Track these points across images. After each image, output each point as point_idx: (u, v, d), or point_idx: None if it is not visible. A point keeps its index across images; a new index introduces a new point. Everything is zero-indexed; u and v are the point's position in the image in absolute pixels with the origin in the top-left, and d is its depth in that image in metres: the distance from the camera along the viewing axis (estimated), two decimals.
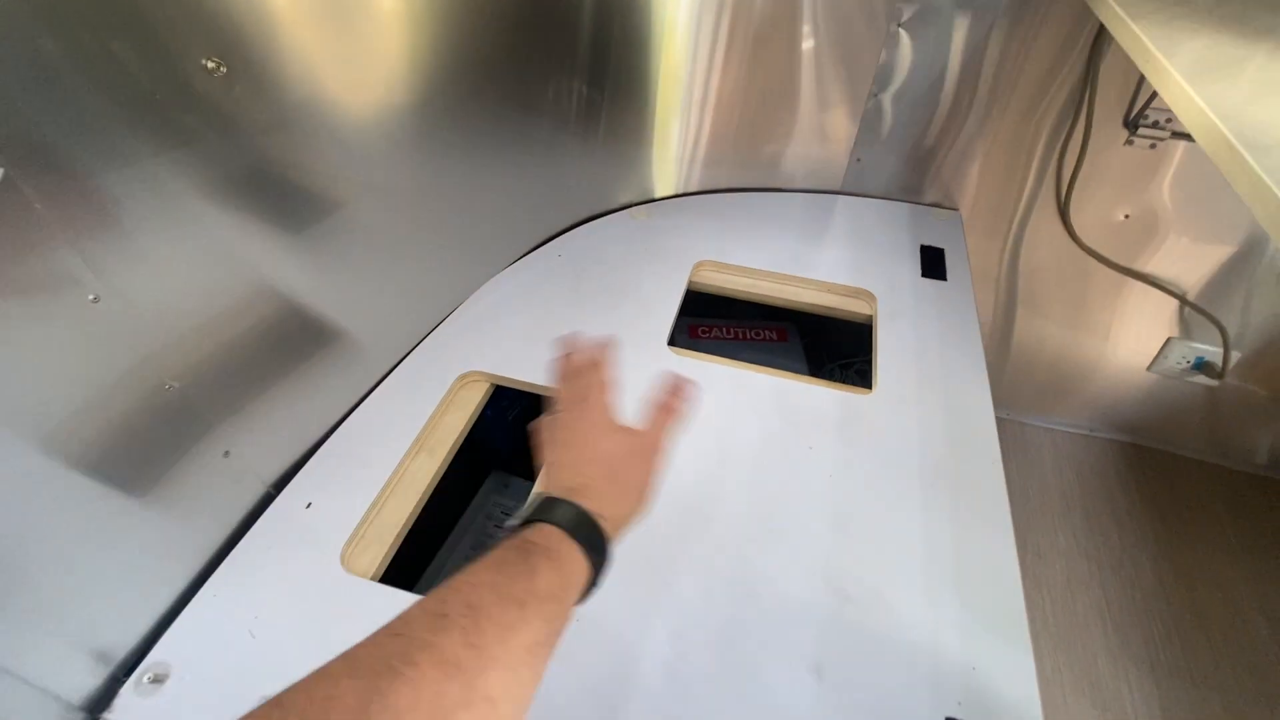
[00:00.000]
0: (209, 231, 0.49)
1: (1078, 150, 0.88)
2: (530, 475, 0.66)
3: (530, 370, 0.70)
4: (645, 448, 0.44)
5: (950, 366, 0.73)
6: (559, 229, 0.89)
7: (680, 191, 0.97)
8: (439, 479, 0.64)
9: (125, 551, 0.48)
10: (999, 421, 0.67)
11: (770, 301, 0.85)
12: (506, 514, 0.87)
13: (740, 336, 1.03)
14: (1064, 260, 0.99)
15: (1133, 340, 1.03)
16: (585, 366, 0.48)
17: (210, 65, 0.45)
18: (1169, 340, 1.01)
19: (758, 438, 0.65)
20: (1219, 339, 0.97)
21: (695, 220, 0.93)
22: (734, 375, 0.71)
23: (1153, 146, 0.87)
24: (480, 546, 0.81)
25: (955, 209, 0.98)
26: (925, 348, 0.75)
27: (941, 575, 0.55)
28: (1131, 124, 0.86)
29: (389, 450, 0.63)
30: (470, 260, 0.79)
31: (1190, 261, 0.95)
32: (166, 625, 0.51)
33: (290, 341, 0.59)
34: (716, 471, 0.62)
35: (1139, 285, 0.98)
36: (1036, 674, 0.50)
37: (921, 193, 0.98)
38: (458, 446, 0.66)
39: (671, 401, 0.47)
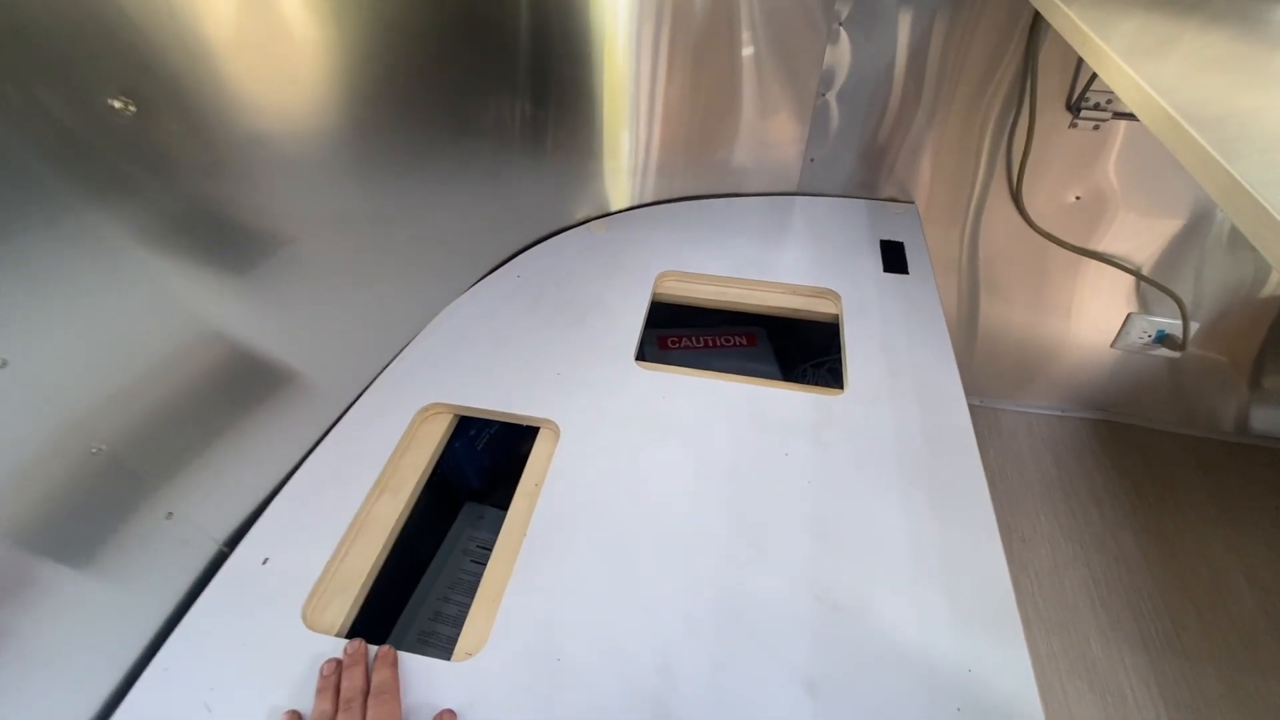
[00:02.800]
0: (144, 280, 0.47)
1: (1025, 136, 0.89)
2: (505, 504, 0.63)
3: (495, 397, 0.68)
4: None
5: (919, 360, 0.72)
6: (515, 249, 0.86)
7: (636, 203, 0.96)
8: (405, 520, 0.61)
9: (63, 630, 0.44)
10: (972, 409, 0.66)
11: (736, 308, 0.84)
12: (484, 549, 0.84)
13: (710, 344, 1.02)
14: (1021, 245, 1.00)
15: (1094, 318, 1.05)
16: (372, 693, 0.46)
17: (118, 105, 0.42)
18: (1129, 316, 1.02)
19: (733, 448, 0.63)
20: (1178, 311, 0.98)
21: (654, 231, 0.92)
22: (705, 386, 0.70)
23: (1096, 128, 0.89)
24: (456, 585, 0.77)
25: (911, 201, 0.98)
26: (893, 343, 0.74)
27: (929, 576, 0.54)
28: (1074, 107, 0.87)
29: (349, 494, 0.60)
30: (424, 288, 0.76)
31: (1142, 237, 0.97)
32: (113, 708, 0.47)
33: (236, 388, 0.56)
34: (693, 489, 0.60)
35: (1096, 264, 1.00)
36: (1032, 665, 0.49)
37: (877, 188, 0.99)
38: (423, 483, 0.64)
39: None
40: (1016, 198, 0.96)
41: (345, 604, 0.54)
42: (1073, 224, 0.97)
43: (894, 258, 0.87)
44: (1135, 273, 0.98)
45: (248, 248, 0.55)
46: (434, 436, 0.66)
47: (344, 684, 0.46)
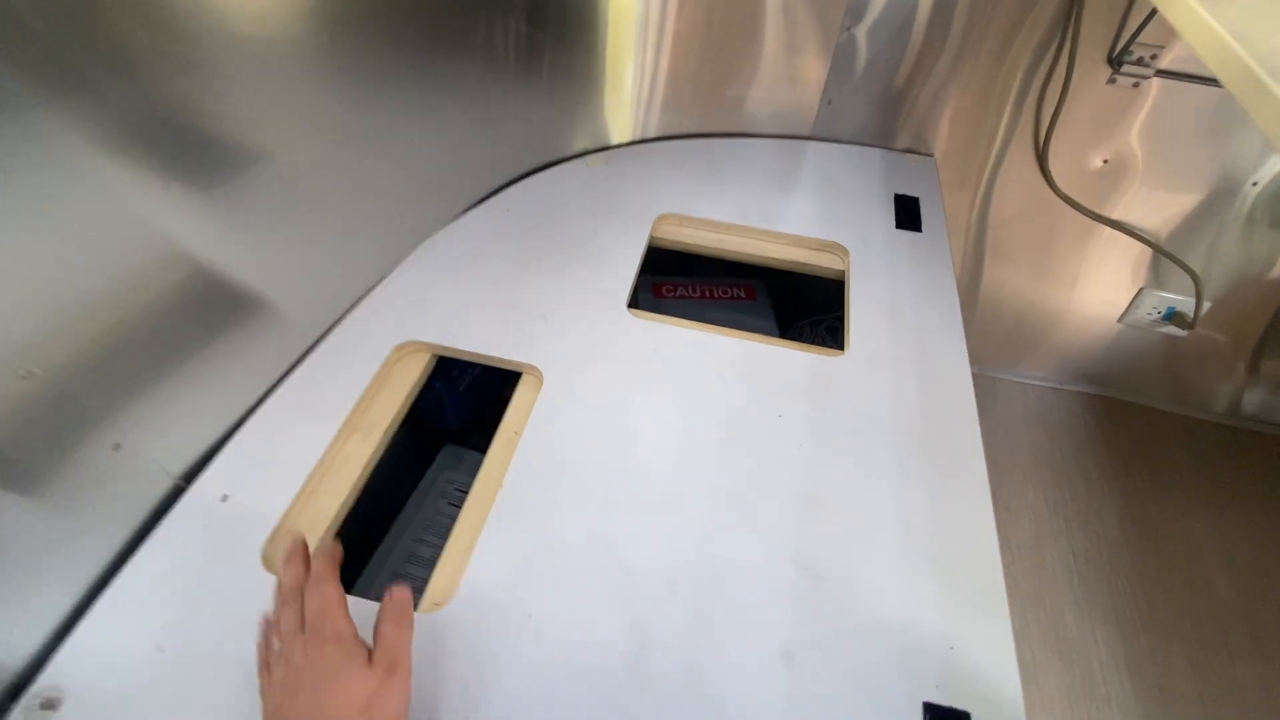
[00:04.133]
0: (97, 190, 0.42)
1: (1059, 89, 0.83)
2: (485, 448, 0.60)
3: (477, 338, 0.64)
4: (395, 690, 0.37)
5: (925, 324, 0.69)
6: (506, 179, 0.81)
7: (638, 138, 0.90)
8: (378, 462, 0.58)
9: (5, 559, 0.42)
10: None
11: (737, 257, 0.79)
12: (461, 492, 0.81)
13: (707, 295, 0.98)
14: (1037, 209, 0.96)
15: (1103, 291, 1.01)
16: (308, 583, 0.40)
17: None
18: (1141, 290, 0.99)
19: (724, 407, 0.60)
20: (1190, 288, 0.95)
21: (655, 169, 0.86)
22: (699, 340, 0.66)
23: (1135, 85, 0.83)
24: (432, 526, 0.76)
25: (930, 154, 0.93)
26: (899, 305, 0.71)
27: (917, 549, 0.52)
28: (1116, 60, 0.81)
29: (317, 432, 0.57)
30: (406, 216, 0.71)
31: (1161, 209, 0.92)
32: (60, 642, 0.45)
33: (197, 314, 0.52)
34: (679, 447, 0.57)
35: (1110, 235, 0.95)
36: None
37: (895, 138, 0.93)
38: (397, 424, 0.60)
39: (398, 627, 0.40)
40: (1041, 157, 0.90)
41: (310, 545, 0.51)
42: (1095, 190, 0.92)
43: (908, 213, 0.82)
44: (1155, 246, 0.94)
45: (216, 161, 0.50)
46: (410, 376, 0.63)
47: (283, 579, 0.41)
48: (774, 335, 0.90)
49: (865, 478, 0.56)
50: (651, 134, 0.89)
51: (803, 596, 0.49)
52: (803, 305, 1.00)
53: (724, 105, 0.90)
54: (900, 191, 0.85)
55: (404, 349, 0.64)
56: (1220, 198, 0.91)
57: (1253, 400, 1.07)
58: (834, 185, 0.86)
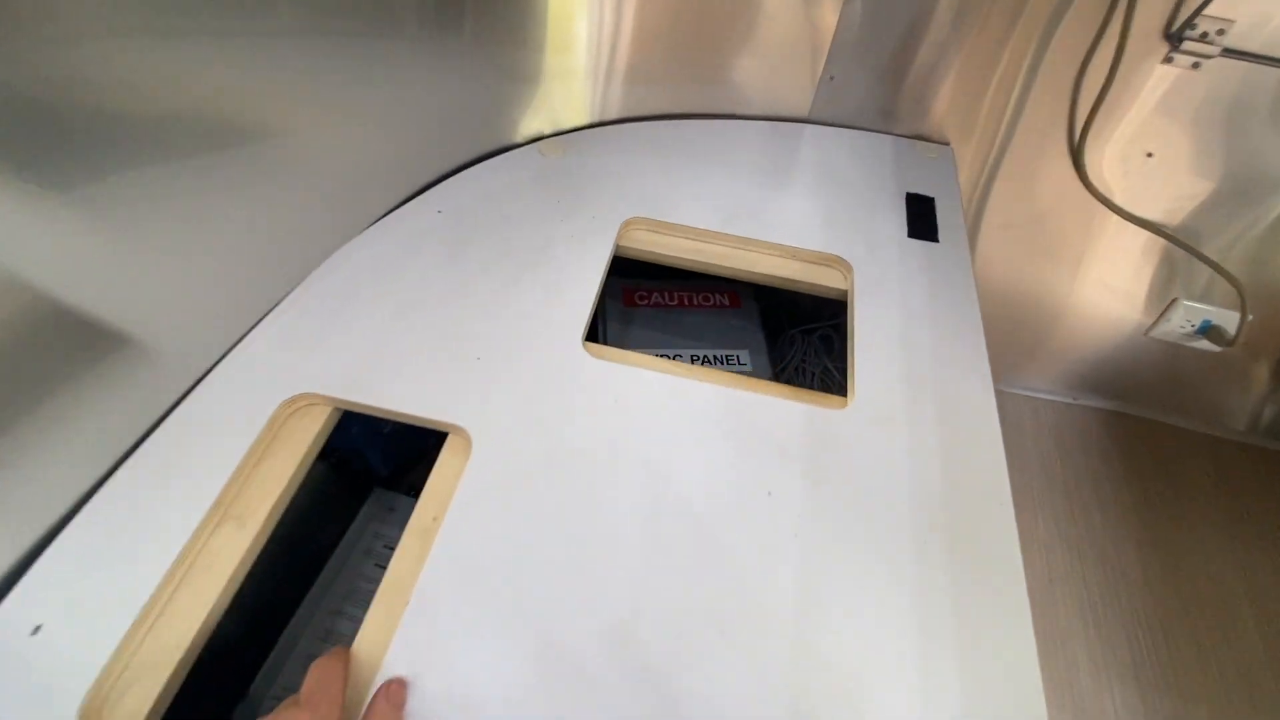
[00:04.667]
0: None
1: (1107, 68, 0.70)
2: (418, 490, 0.48)
3: (390, 388, 0.50)
4: None
5: (946, 365, 0.57)
6: (436, 174, 0.66)
7: (599, 119, 0.75)
8: (254, 559, 0.45)
9: None
10: None
11: (719, 271, 0.66)
12: (390, 548, 0.69)
13: (685, 303, 0.85)
14: (1066, 207, 0.83)
15: (1132, 300, 0.90)
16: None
17: None
18: (1174, 301, 0.88)
19: (702, 483, 0.48)
20: (1233, 302, 0.84)
21: (623, 158, 0.71)
22: (671, 388, 0.53)
23: (1195, 66, 0.69)
24: (354, 595, 0.63)
25: (946, 143, 0.79)
26: (913, 339, 0.58)
27: (942, 676, 0.41)
28: (1175, 35, 0.68)
29: (173, 524, 0.44)
30: (305, 224, 0.56)
31: (1210, 211, 0.80)
32: None
33: (21, 360, 0.38)
34: (647, 543, 0.45)
35: (1146, 237, 0.83)
36: None
37: (907, 122, 0.79)
38: (284, 506, 0.47)
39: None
40: (1077, 148, 0.77)
41: (151, 689, 0.39)
42: (1134, 187, 0.80)
43: (922, 218, 0.69)
44: (1198, 253, 0.82)
45: (65, 151, 0.36)
46: (304, 438, 0.49)
47: None
48: (761, 349, 0.77)
49: (875, 578, 0.45)
50: (614, 114, 0.75)
51: None
52: (793, 312, 0.87)
53: (705, 78, 0.75)
54: (913, 190, 0.72)
55: (295, 403, 0.50)
56: (1269, 203, 0.79)
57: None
58: (834, 181, 0.72)
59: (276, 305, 0.54)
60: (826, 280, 0.64)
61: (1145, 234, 0.83)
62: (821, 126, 0.79)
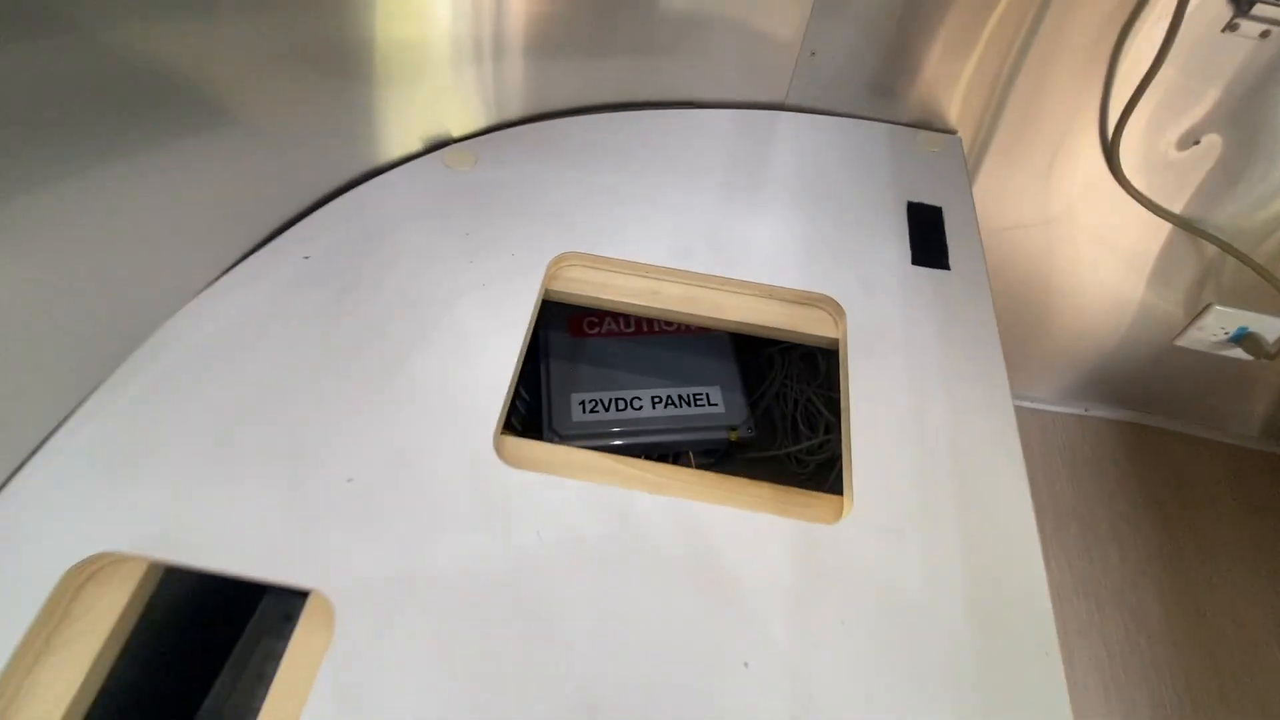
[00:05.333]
0: None
1: (1162, 40, 0.55)
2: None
3: (224, 536, 0.37)
4: None
5: (968, 441, 0.44)
6: (303, 205, 0.50)
7: (496, 121, 0.58)
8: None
9: None
10: None
11: (678, 318, 0.52)
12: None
13: (644, 329, 0.71)
14: (1091, 203, 0.70)
15: (1162, 304, 0.78)
16: None
17: None
18: (1208, 306, 0.76)
19: (658, 656, 0.35)
20: (1266, 304, 0.72)
21: (549, 170, 0.56)
22: (613, 506, 0.40)
23: (1264, 35, 0.56)
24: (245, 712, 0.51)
25: (952, 131, 0.65)
26: (927, 410, 0.45)
27: None
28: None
29: None
30: (121, 287, 0.41)
31: (1257, 210, 0.68)
32: None
33: None
34: None
35: (1177, 237, 0.71)
36: None
37: (904, 106, 0.64)
38: (87, 699, 0.34)
39: None
40: (1113, 138, 0.64)
41: None
42: (1172, 180, 0.67)
43: (928, 238, 0.55)
44: (1245, 259, 0.69)
45: None
46: (106, 615, 0.35)
47: None
48: (734, 383, 0.64)
49: None
50: (518, 105, 0.58)
51: None
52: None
53: (648, 55, 0.59)
54: (916, 198, 0.58)
55: (93, 564, 0.36)
56: None
57: None
58: (819, 188, 0.58)
59: (62, 424, 0.40)
60: (812, 327, 0.51)
61: (1176, 233, 0.71)
62: (802, 114, 0.64)
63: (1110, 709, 0.69)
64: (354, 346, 0.44)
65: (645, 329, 0.70)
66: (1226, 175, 0.65)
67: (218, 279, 0.46)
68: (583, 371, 0.64)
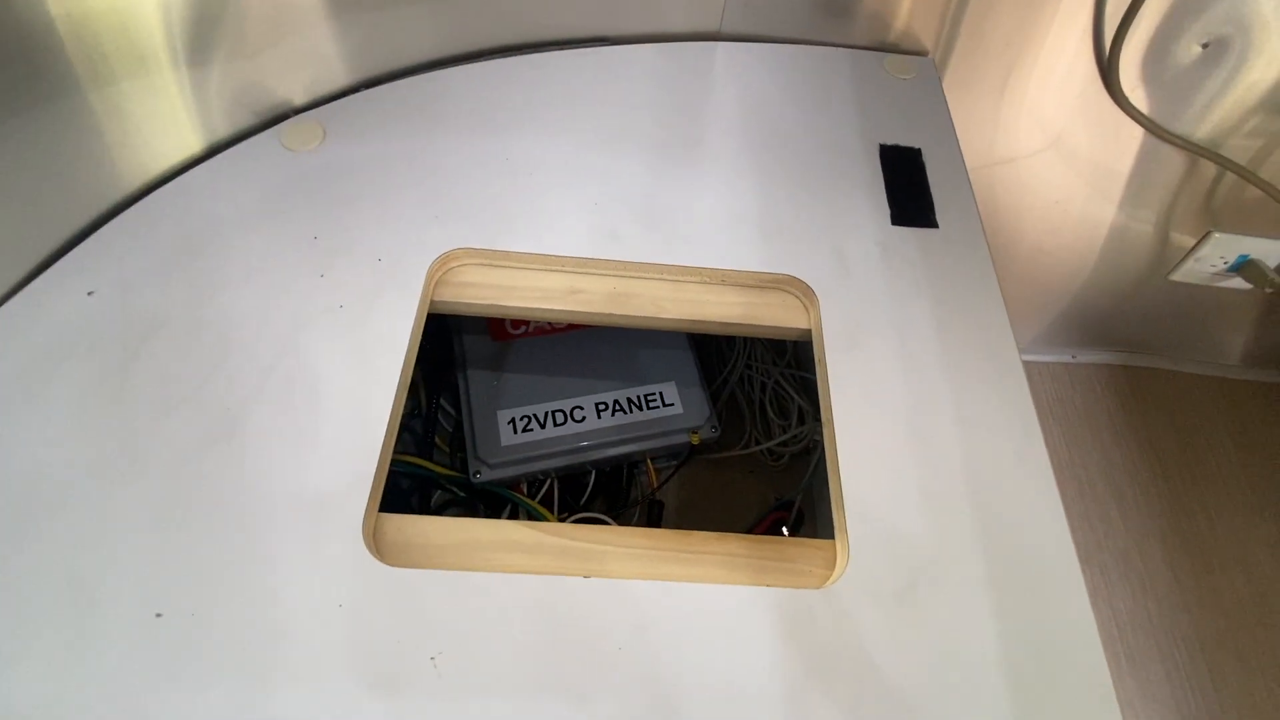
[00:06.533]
0: None
1: None
2: None
3: (11, 707, 0.25)
4: None
5: (984, 452, 0.35)
6: (84, 222, 0.36)
7: (350, 84, 0.45)
8: None
9: None
10: None
11: (607, 321, 0.41)
12: None
13: (579, 324, 0.59)
14: (1087, 125, 0.60)
15: (1155, 235, 0.70)
16: None
17: None
18: (1207, 234, 0.68)
19: None
20: (1270, 229, 0.65)
21: (422, 141, 0.43)
22: (543, 601, 0.29)
23: None
24: None
25: (924, 53, 0.54)
26: (929, 411, 0.36)
27: None
28: None
29: None
30: None
31: (1269, 123, 0.59)
32: None
33: None
34: None
35: (1178, 162, 0.62)
36: None
37: (865, 25, 0.52)
38: None
39: None
40: (1111, 48, 0.53)
41: None
42: (1171, 95, 0.57)
43: (909, 190, 0.45)
44: (1252, 177, 0.60)
45: None
46: None
47: None
48: (692, 376, 0.54)
49: None
50: (381, 56, 0.45)
51: None
52: None
53: None
54: (889, 139, 0.47)
55: None
56: None
57: None
58: (771, 134, 0.47)
59: None
60: (778, 318, 0.40)
61: (1172, 157, 0.62)
62: (742, 44, 0.51)
63: (1124, 684, 0.64)
64: (158, 414, 0.32)
65: (580, 324, 0.59)
66: (1229, 86, 0.56)
67: None
68: (510, 383, 0.53)
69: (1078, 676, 0.30)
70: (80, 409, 0.31)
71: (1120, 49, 0.52)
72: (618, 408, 0.53)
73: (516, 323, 0.56)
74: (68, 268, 0.35)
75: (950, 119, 0.49)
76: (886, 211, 0.43)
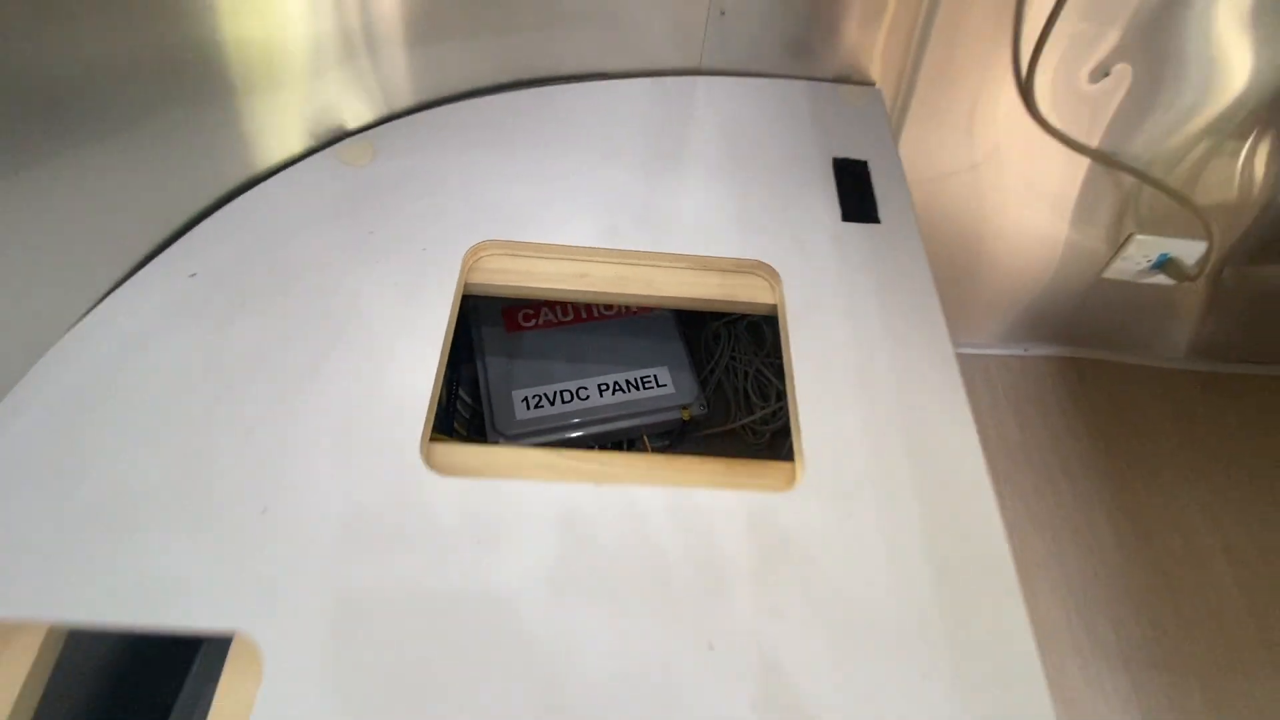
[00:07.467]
0: None
1: None
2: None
3: (129, 582, 0.33)
4: None
5: (911, 389, 0.43)
6: (186, 219, 0.45)
7: (395, 110, 0.55)
8: None
9: None
10: None
11: (609, 299, 0.50)
12: None
13: (582, 316, 0.68)
14: (1015, 142, 0.70)
15: (1085, 239, 0.79)
16: None
17: None
18: (1130, 237, 0.78)
19: (611, 645, 0.33)
20: (1194, 232, 0.74)
21: (457, 156, 0.52)
22: (552, 506, 0.37)
23: None
24: None
25: (871, 83, 0.64)
26: (870, 368, 0.44)
27: None
28: None
29: None
30: None
31: (1165, 136, 0.69)
32: None
33: None
34: None
35: (1097, 171, 0.72)
36: None
37: (825, 60, 0.63)
38: None
39: None
40: (1026, 77, 0.64)
41: None
42: (1086, 114, 0.67)
43: (856, 193, 0.54)
44: (1160, 185, 0.71)
45: None
46: (9, 686, 0.31)
47: None
48: (682, 361, 0.63)
49: None
50: (408, 93, 0.55)
51: None
52: None
53: (556, 22, 0.56)
54: (842, 153, 0.57)
55: None
56: (1225, 122, 0.68)
57: (1234, 339, 0.92)
58: (744, 151, 0.56)
59: None
60: (750, 295, 0.49)
61: (1095, 168, 0.72)
62: (719, 77, 0.62)
63: (1075, 635, 0.71)
64: (250, 368, 0.40)
65: (585, 315, 0.68)
66: (1137, 105, 0.66)
67: (92, 308, 0.41)
68: (522, 367, 0.62)
69: (984, 565, 0.38)
70: (193, 357, 0.40)
71: (1034, 77, 0.62)
72: (617, 387, 0.61)
73: (528, 315, 0.65)
74: (175, 254, 0.44)
75: (893, 138, 0.59)
76: (838, 210, 0.53)
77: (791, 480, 0.40)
